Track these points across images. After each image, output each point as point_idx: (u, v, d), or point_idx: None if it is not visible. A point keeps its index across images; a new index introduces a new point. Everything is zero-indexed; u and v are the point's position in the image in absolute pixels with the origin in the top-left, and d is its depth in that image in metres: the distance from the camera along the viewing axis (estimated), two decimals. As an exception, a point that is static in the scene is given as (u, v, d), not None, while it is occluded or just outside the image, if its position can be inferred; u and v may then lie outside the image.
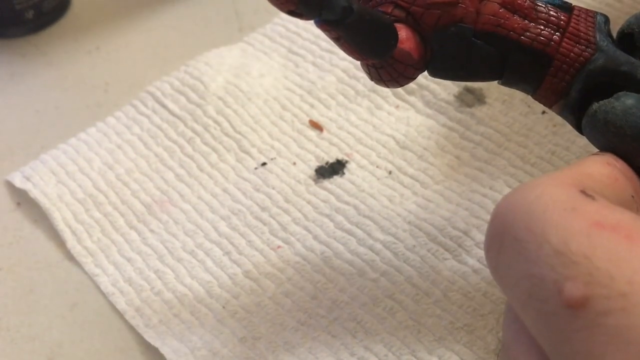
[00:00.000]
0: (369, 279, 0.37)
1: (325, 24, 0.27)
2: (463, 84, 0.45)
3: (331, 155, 0.43)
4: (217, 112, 0.46)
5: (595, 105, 0.27)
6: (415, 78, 0.30)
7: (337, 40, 0.28)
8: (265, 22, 0.51)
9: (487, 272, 0.36)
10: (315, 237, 0.39)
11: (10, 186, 0.44)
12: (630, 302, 0.20)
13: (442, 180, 0.41)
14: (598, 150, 0.28)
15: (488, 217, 0.38)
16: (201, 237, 0.40)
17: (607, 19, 0.30)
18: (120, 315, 0.37)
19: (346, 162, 0.42)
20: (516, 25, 0.29)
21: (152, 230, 0.40)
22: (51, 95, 0.50)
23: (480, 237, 0.38)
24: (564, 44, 0.29)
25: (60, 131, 0.46)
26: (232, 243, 0.39)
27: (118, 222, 0.41)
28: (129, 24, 0.55)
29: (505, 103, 0.44)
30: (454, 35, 0.29)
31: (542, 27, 0.29)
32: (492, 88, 0.45)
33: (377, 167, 0.42)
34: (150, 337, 0.36)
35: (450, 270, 0.37)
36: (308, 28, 0.50)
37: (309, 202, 0.40)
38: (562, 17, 0.29)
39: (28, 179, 0.43)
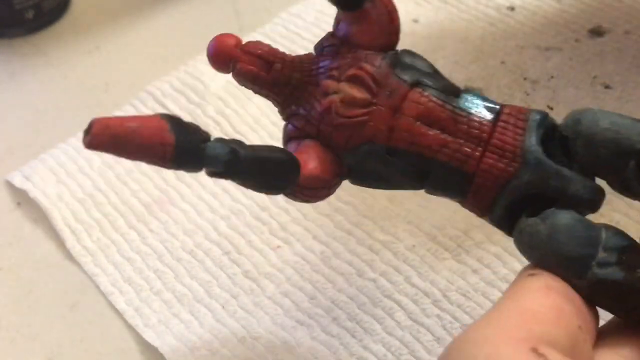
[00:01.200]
0: (368, 279, 0.37)
1: (212, 175, 0.25)
2: (463, 83, 0.45)
3: (331, 155, 0.43)
4: (217, 112, 0.46)
5: (522, 223, 0.25)
6: (333, 193, 0.29)
7: (235, 182, 0.26)
8: (265, 22, 0.51)
9: (486, 272, 0.36)
10: (315, 237, 0.39)
11: (10, 186, 0.44)
12: None
13: (442, 180, 0.41)
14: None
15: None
16: (201, 237, 0.40)
17: (543, 117, 0.26)
18: (119, 314, 0.37)
19: (346, 162, 0.42)
20: (432, 141, 0.26)
21: (151, 230, 0.40)
22: (51, 95, 0.50)
23: (481, 237, 0.38)
24: (485, 159, 0.26)
25: (60, 131, 0.46)
26: (231, 243, 0.39)
27: (118, 221, 0.41)
28: (129, 24, 0.55)
29: (505, 103, 0.44)
30: (366, 153, 0.27)
31: (462, 141, 0.26)
32: (492, 87, 0.45)
33: (376, 167, 0.42)
34: (149, 336, 0.36)
35: (450, 270, 0.37)
36: (308, 28, 0.50)
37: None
38: (485, 127, 0.26)
39: (28, 178, 0.43)
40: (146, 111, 0.47)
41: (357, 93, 0.27)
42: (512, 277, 0.36)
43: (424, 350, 0.34)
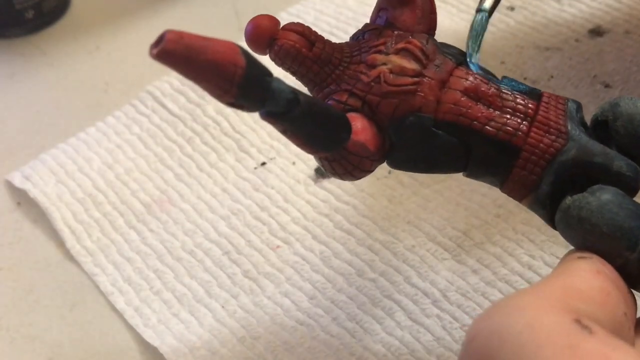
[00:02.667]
0: (368, 279, 0.37)
1: (269, 117, 0.25)
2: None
3: (331, 155, 0.43)
4: (216, 111, 0.46)
5: (568, 200, 0.25)
6: (373, 170, 0.28)
7: (284, 132, 0.26)
8: (265, 22, 0.51)
9: (486, 272, 0.36)
10: (315, 237, 0.39)
11: (10, 186, 0.44)
12: None
13: (442, 180, 0.41)
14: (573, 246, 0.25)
15: (488, 217, 0.38)
16: (200, 237, 0.40)
17: (579, 106, 0.28)
18: (119, 314, 0.37)
19: (345, 162, 0.42)
20: (480, 114, 0.27)
21: (151, 230, 0.40)
22: (51, 95, 0.50)
23: (481, 237, 0.38)
24: (532, 133, 0.26)
25: (60, 131, 0.46)
26: (231, 243, 0.39)
27: (117, 221, 0.41)
28: (129, 24, 0.55)
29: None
30: (412, 125, 0.27)
31: (508, 116, 0.27)
32: (491, 88, 0.45)
33: (376, 167, 0.42)
34: (149, 336, 0.36)
35: (450, 270, 0.37)
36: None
37: (308, 202, 0.40)
38: (530, 105, 0.27)
39: (28, 178, 0.43)
40: (146, 111, 0.47)
41: (407, 63, 0.27)
42: (512, 277, 0.36)
43: (424, 351, 0.34)
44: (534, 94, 0.27)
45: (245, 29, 0.28)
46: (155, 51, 0.23)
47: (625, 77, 0.45)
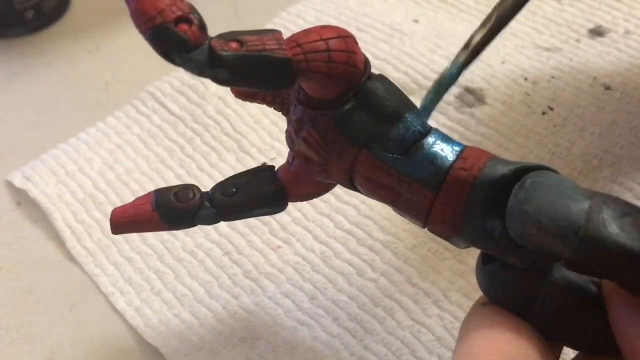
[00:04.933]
0: (368, 279, 0.37)
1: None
2: (463, 83, 0.45)
3: (331, 155, 0.43)
4: (217, 112, 0.46)
5: (477, 267, 0.26)
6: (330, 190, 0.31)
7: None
8: (265, 22, 0.51)
9: (487, 272, 0.36)
10: (315, 237, 0.39)
11: (10, 186, 0.44)
12: None
13: (442, 180, 0.41)
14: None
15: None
16: (201, 237, 0.40)
17: (492, 182, 0.24)
18: (120, 315, 0.37)
19: (346, 162, 0.42)
20: (385, 197, 0.27)
21: (152, 230, 0.40)
22: (51, 96, 0.50)
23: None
24: (428, 223, 0.26)
25: (60, 131, 0.46)
26: (232, 243, 0.39)
27: (118, 222, 0.41)
28: (129, 24, 0.54)
29: (506, 104, 0.44)
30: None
31: (407, 204, 0.26)
32: (492, 88, 0.45)
33: (377, 167, 0.42)
34: (150, 337, 0.36)
35: (451, 270, 0.37)
36: (308, 28, 0.50)
37: (309, 202, 0.40)
38: (426, 199, 0.26)
39: (28, 178, 0.43)
40: (147, 111, 0.47)
41: (311, 154, 0.28)
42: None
43: (425, 350, 0.34)
44: (436, 180, 0.25)
45: None
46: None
47: (625, 78, 0.45)
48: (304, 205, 0.40)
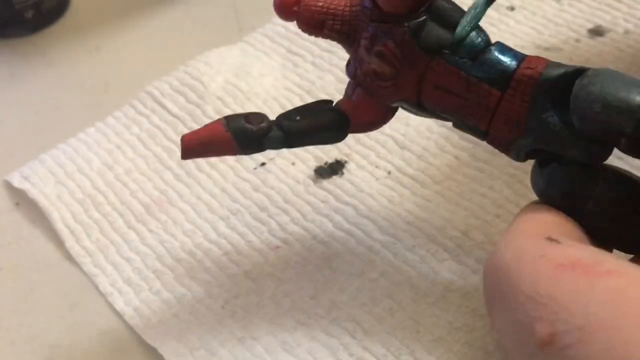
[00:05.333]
0: (368, 279, 0.37)
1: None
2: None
3: (330, 156, 0.43)
4: (216, 112, 0.46)
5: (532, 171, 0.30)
6: (389, 120, 0.33)
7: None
8: (265, 22, 0.51)
9: (486, 272, 0.36)
10: (314, 237, 0.39)
11: (9, 186, 0.44)
12: (586, 333, 0.22)
13: (442, 180, 0.41)
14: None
15: (488, 218, 0.38)
16: (200, 237, 0.40)
17: (554, 80, 0.28)
18: (119, 315, 0.37)
19: (345, 162, 0.42)
20: (451, 104, 0.30)
21: (150, 230, 0.40)
22: (51, 95, 0.50)
23: (481, 238, 0.37)
24: (494, 122, 0.29)
25: (60, 131, 0.46)
26: (231, 243, 0.39)
27: (117, 222, 0.41)
28: (129, 24, 0.55)
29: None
30: (402, 106, 0.32)
31: (474, 105, 0.29)
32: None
33: (376, 167, 0.42)
34: (149, 337, 0.36)
35: (449, 271, 0.37)
36: (308, 28, 0.50)
37: (308, 203, 0.40)
38: (493, 97, 0.29)
39: (27, 179, 0.43)
40: (146, 112, 0.47)
41: (384, 68, 0.30)
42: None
43: (424, 351, 0.34)
44: (506, 76, 0.28)
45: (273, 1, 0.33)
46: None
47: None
48: (303, 205, 0.40)
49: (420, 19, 0.29)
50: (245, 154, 0.32)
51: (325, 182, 0.41)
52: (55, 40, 0.54)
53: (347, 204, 0.40)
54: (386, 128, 0.43)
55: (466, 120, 0.30)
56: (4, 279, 0.40)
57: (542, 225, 0.26)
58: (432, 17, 0.29)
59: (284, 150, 0.43)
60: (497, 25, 0.50)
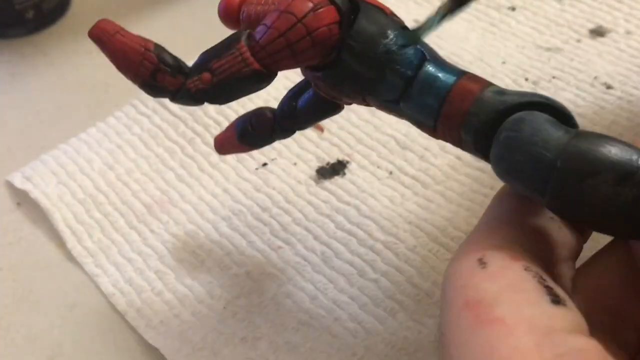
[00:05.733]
0: (369, 279, 0.37)
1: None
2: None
3: (332, 156, 0.43)
4: (217, 112, 0.46)
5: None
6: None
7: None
8: (266, 22, 0.51)
9: (488, 272, 0.36)
10: (316, 238, 0.39)
11: (11, 186, 0.44)
12: None
13: (443, 180, 0.41)
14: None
15: (489, 218, 0.38)
16: (202, 238, 0.40)
17: (479, 127, 0.26)
18: (120, 315, 0.37)
19: (347, 162, 0.42)
20: None
21: (152, 231, 0.40)
22: (51, 95, 0.50)
23: (481, 238, 0.38)
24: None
25: (60, 131, 0.46)
26: (232, 243, 0.39)
27: (118, 222, 0.41)
28: (129, 24, 0.54)
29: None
30: None
31: None
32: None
33: (377, 167, 0.42)
34: (151, 337, 0.36)
35: (451, 271, 0.37)
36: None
37: (309, 203, 0.40)
38: (426, 130, 0.28)
39: (28, 179, 0.43)
40: (147, 112, 0.47)
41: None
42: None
43: (426, 351, 0.34)
44: (431, 123, 0.26)
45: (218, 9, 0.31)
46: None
47: (626, 78, 0.45)
48: (304, 205, 0.40)
49: (336, 69, 0.27)
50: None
51: (327, 182, 0.41)
52: (56, 40, 0.53)
53: (348, 204, 0.40)
54: (388, 128, 0.43)
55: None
56: (5, 279, 0.40)
57: (485, 238, 0.25)
58: (345, 64, 0.27)
59: (286, 151, 0.43)
60: (498, 26, 0.50)
